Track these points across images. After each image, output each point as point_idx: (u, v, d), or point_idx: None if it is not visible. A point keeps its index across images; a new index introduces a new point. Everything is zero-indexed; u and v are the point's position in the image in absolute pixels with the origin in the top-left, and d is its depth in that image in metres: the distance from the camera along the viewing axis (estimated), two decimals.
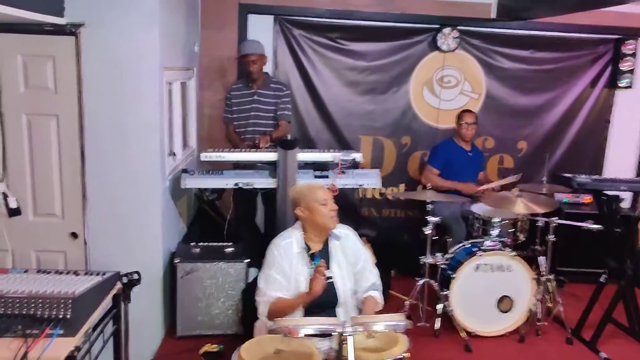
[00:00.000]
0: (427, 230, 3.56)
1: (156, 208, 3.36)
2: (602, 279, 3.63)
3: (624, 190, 3.78)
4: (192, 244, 3.58)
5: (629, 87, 5.00)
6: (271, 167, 3.61)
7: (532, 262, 3.87)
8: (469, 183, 4.40)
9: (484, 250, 3.59)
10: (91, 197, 3.28)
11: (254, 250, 4.19)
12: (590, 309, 3.74)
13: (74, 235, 3.32)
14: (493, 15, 4.80)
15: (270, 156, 3.52)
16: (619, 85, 4.99)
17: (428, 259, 3.60)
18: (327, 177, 3.60)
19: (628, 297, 3.54)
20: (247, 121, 4.23)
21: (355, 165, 3.59)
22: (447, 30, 4.76)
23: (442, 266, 3.63)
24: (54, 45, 3.11)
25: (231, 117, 4.31)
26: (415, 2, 4.76)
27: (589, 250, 4.33)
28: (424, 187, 4.52)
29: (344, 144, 4.98)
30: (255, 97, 4.22)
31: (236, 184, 3.57)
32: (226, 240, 3.82)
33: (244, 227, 4.21)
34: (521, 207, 3.50)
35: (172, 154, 3.94)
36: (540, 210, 3.50)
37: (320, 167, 3.65)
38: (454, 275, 3.56)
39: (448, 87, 4.98)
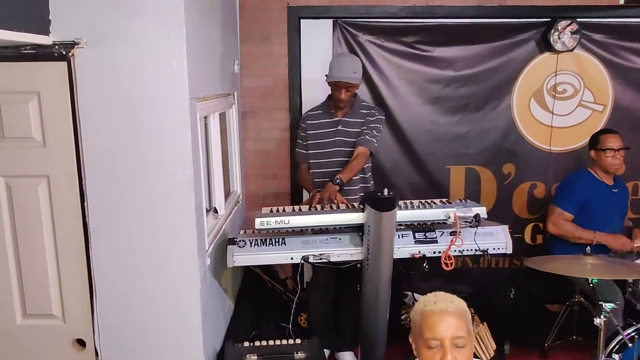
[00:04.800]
0: (599, 322, 2.38)
1: (193, 301, 2.32)
2: None
3: None
4: (245, 344, 2.51)
5: None
6: (353, 231, 2.53)
7: None
8: (619, 236, 3.21)
9: None
10: (101, 289, 2.30)
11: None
12: None
13: (81, 343, 2.37)
14: (621, 0, 3.65)
15: (355, 218, 2.43)
16: None
17: None
18: (435, 241, 2.50)
19: None
20: (328, 159, 3.13)
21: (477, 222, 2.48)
22: (562, 24, 3.61)
23: None
24: (37, 75, 2.15)
25: (306, 154, 3.22)
26: None
27: None
28: (550, 235, 3.39)
29: (427, 177, 3.89)
30: (339, 128, 3.11)
31: (305, 258, 2.49)
32: (293, 329, 2.77)
33: (317, 301, 3.13)
34: None
35: (214, 210, 2.93)
36: None
37: (422, 227, 2.55)
38: None
39: (563, 98, 3.83)
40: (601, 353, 2.43)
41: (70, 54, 2.11)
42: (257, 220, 2.43)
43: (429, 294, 1.66)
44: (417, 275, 3.23)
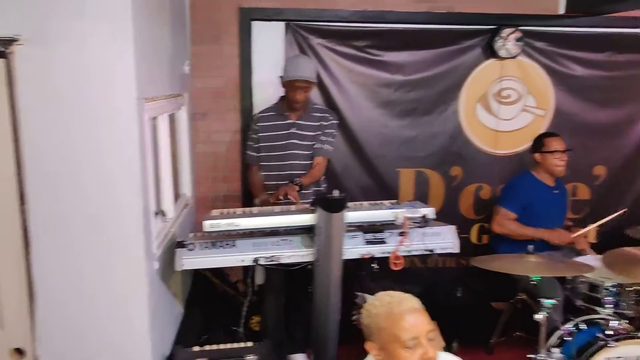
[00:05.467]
0: (540, 318, 2.47)
1: (141, 306, 2.27)
2: None
3: None
4: (194, 349, 2.47)
5: None
6: (304, 233, 2.54)
7: None
8: (560, 230, 3.35)
9: (615, 338, 2.53)
10: (42, 295, 2.20)
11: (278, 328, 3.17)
12: None
13: (19, 352, 2.26)
14: (561, 10, 3.80)
15: (306, 219, 2.44)
16: None
17: (545, 359, 2.51)
18: (384, 242, 2.54)
19: None
20: (280, 162, 3.13)
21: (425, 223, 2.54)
22: (507, 31, 3.74)
23: None
24: None
25: (257, 156, 3.21)
26: None
27: None
28: (495, 235, 3.50)
29: (378, 180, 3.94)
30: (293, 130, 3.12)
31: (255, 260, 2.48)
32: (244, 333, 2.75)
33: (269, 304, 3.11)
34: None
35: (162, 213, 2.86)
36: None
37: (372, 228, 2.58)
38: None
39: (507, 103, 3.95)
40: (542, 348, 2.53)
41: (8, 51, 2.02)
42: (206, 223, 2.39)
43: (380, 297, 1.66)
44: (367, 276, 3.27)
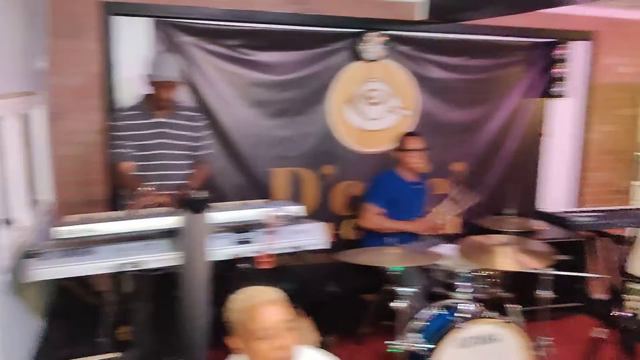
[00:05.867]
0: (399, 307, 2.61)
1: None
2: None
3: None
4: None
5: (561, 96, 4.54)
6: (171, 236, 2.47)
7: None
8: (420, 219, 3.58)
9: (466, 319, 2.76)
10: None
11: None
12: None
13: None
14: (424, 16, 4.05)
15: (170, 222, 2.38)
16: (551, 94, 4.52)
17: (401, 344, 2.66)
18: (255, 241, 2.56)
19: None
20: (151, 162, 3.03)
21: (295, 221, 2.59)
22: (372, 35, 3.92)
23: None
24: None
25: (126, 155, 3.06)
26: (334, 1, 3.86)
27: None
28: (363, 230, 3.66)
29: (253, 181, 3.94)
30: (161, 130, 3.04)
31: (119, 267, 2.37)
32: (110, 343, 2.62)
33: (137, 312, 2.97)
34: (509, 262, 2.71)
35: (11, 222, 2.63)
36: (536, 266, 2.74)
37: (242, 228, 2.58)
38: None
39: (374, 104, 4.14)
40: (399, 334, 2.68)
41: None
42: (57, 230, 2.24)
43: (240, 292, 1.69)
44: (239, 276, 3.27)
